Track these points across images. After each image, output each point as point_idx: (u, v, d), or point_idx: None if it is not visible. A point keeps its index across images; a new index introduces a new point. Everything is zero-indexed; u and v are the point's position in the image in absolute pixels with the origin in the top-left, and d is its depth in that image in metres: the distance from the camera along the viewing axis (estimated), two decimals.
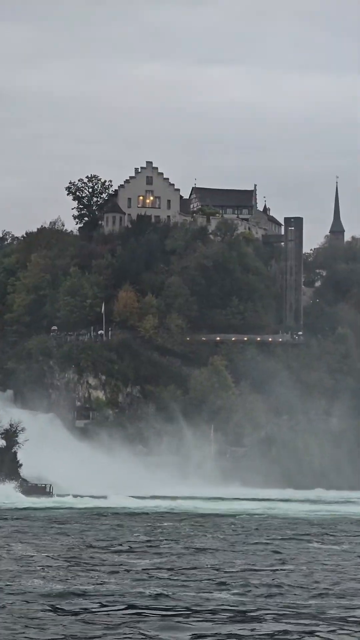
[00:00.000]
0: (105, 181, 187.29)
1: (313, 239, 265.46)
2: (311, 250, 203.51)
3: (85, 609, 36.46)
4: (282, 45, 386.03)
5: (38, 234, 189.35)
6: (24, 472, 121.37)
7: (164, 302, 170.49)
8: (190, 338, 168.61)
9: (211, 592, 41.17)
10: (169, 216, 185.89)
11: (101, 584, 42.92)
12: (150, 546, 60.83)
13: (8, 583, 42.21)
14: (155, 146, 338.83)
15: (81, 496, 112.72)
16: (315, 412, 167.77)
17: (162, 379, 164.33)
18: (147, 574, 46.84)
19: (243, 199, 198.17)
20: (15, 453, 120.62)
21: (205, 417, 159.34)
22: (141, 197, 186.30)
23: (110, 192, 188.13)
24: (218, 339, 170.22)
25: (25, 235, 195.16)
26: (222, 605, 37.96)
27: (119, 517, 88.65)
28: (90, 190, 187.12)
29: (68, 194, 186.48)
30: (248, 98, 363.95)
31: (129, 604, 37.76)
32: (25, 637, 31.66)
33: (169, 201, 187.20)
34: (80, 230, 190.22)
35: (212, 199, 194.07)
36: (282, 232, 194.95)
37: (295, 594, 41.20)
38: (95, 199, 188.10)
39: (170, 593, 40.43)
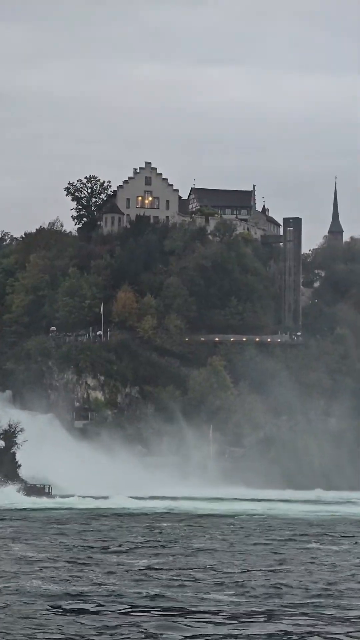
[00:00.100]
0: (104, 182, 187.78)
1: (312, 240, 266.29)
2: (310, 250, 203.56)
3: (84, 609, 36.48)
4: (282, 45, 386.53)
5: (37, 235, 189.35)
6: (23, 472, 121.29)
7: (162, 302, 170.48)
8: (189, 338, 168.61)
9: (210, 593, 41.18)
10: (167, 217, 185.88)
11: (100, 584, 42.93)
12: (149, 547, 60.84)
13: (7, 584, 42.20)
14: (155, 146, 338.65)
15: (83, 497, 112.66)
16: (314, 412, 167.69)
17: (161, 379, 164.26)
18: (146, 574, 46.85)
19: (242, 200, 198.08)
20: (14, 454, 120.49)
21: (204, 417, 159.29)
22: (140, 198, 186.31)
23: (109, 192, 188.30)
24: (217, 339, 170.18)
25: (24, 236, 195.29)
26: (221, 605, 37.98)
27: (119, 517, 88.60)
28: (89, 190, 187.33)
29: (67, 195, 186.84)
30: (248, 98, 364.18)
31: (127, 604, 37.77)
32: (25, 637, 31.66)
33: (167, 202, 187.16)
34: (79, 231, 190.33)
35: (211, 200, 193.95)
36: (281, 233, 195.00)
37: (293, 595, 41.23)
38: (94, 200, 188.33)
39: (169, 593, 40.44)
